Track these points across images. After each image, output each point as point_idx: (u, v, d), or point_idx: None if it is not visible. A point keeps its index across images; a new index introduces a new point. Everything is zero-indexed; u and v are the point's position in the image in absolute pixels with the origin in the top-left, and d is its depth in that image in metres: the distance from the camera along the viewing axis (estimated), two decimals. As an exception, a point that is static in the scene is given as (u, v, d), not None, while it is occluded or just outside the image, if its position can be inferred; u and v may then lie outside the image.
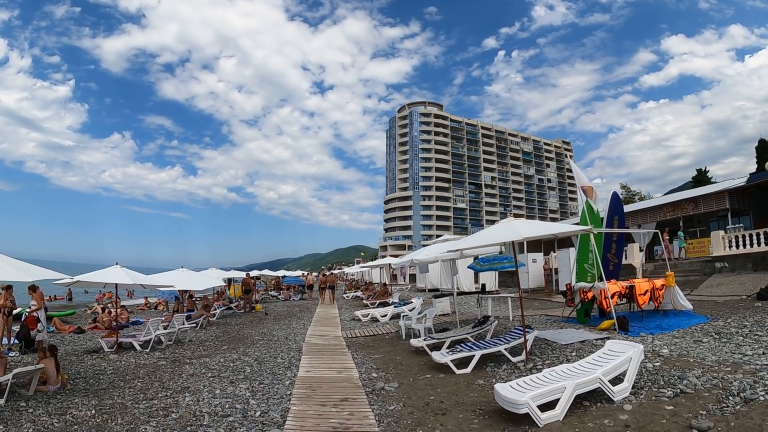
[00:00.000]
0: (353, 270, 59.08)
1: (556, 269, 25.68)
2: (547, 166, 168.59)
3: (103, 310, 23.98)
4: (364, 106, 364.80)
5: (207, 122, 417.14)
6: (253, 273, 37.13)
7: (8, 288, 14.57)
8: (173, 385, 9.49)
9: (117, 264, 14.30)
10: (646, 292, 12.93)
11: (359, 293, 35.07)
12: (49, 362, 9.29)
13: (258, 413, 7.38)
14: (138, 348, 14.07)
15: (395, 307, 20.75)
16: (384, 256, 78.04)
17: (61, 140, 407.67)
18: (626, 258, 21.73)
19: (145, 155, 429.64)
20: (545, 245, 30.69)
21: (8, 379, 8.48)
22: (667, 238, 24.72)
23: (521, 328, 9.90)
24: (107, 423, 7.14)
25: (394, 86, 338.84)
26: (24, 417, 7.49)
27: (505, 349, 9.66)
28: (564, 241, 27.09)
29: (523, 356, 9.55)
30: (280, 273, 49.11)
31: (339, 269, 78.50)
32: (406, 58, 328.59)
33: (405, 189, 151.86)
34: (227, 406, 7.83)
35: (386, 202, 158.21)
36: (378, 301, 25.57)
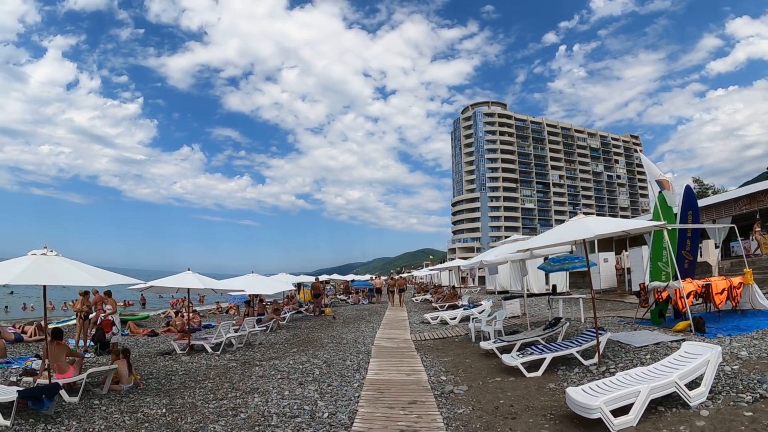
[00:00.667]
0: (422, 273, 59.04)
1: (628, 269, 24.81)
2: (616, 162, 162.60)
3: (177, 314, 24.98)
4: (428, 109, 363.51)
5: (273, 132, 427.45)
6: (323, 277, 37.58)
7: (85, 294, 15.48)
8: (243, 386, 9.73)
9: (189, 270, 14.76)
10: (723, 290, 12.31)
11: (428, 296, 34.92)
12: (122, 363, 9.75)
13: (326, 415, 7.45)
14: (209, 350, 14.51)
15: (464, 309, 20.62)
16: (452, 259, 77.68)
17: (132, 155, 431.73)
18: (701, 255, 20.78)
19: (214, 166, 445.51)
20: (617, 244, 29.74)
21: (83, 379, 8.91)
22: (759, 230, 23.51)
23: (593, 330, 9.66)
24: (177, 421, 7.40)
25: (456, 88, 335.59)
26: (97, 414, 7.83)
27: (577, 352, 9.45)
28: (636, 239, 26.18)
29: (595, 359, 9.30)
30: (349, 277, 49.51)
31: (408, 272, 78.64)
32: (466, 59, 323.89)
33: (472, 191, 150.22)
34: (295, 407, 7.93)
35: (453, 205, 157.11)
36: (447, 304, 25.36)
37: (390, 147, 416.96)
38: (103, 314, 15.80)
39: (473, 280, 48.74)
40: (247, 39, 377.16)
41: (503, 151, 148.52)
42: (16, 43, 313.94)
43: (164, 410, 8.01)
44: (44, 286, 8.86)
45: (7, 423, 7.13)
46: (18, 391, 7.56)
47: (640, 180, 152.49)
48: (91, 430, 7.07)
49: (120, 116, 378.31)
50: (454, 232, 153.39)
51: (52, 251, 8.81)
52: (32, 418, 7.40)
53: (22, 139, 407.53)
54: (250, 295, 23.24)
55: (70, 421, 7.40)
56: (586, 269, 10.89)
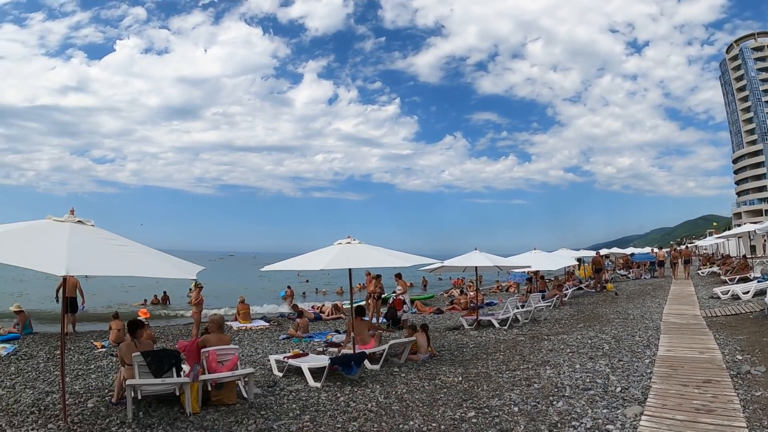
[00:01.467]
0: (706, 243, 53.15)
1: None
2: None
3: (461, 292, 26.61)
4: (687, 56, 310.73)
5: (530, 108, 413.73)
6: (602, 251, 35.50)
7: (377, 277, 17.22)
8: (533, 358, 9.85)
9: (476, 249, 15.37)
10: None
11: (715, 268, 31.78)
12: (421, 335, 10.64)
13: (618, 389, 7.21)
14: (496, 325, 14.73)
15: (758, 282, 18.74)
16: (738, 225, 68.67)
17: (399, 151, 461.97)
18: None
19: (479, 150, 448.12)
20: None
21: (385, 349, 9.90)
22: None
23: None
24: (473, 389, 7.72)
25: (712, 25, 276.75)
26: (398, 380, 8.54)
27: None
28: None
29: None
30: (629, 250, 46.16)
31: (690, 243, 71.18)
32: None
33: (753, 142, 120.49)
34: (588, 380, 7.82)
35: (734, 161, 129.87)
36: (737, 277, 23.04)
37: (655, 104, 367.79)
38: (393, 294, 17.88)
39: (765, 248, 42.28)
40: (484, 22, 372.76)
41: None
42: (275, 76, 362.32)
43: (460, 378, 8.46)
44: (350, 270, 9.83)
45: (318, 385, 8.10)
46: (330, 358, 8.68)
47: None
48: (393, 392, 7.67)
49: (381, 118, 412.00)
50: (738, 194, 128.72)
51: (355, 240, 9.73)
52: (339, 382, 8.28)
53: (298, 153, 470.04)
54: (530, 272, 23.45)
55: (374, 385, 8.15)
56: None
